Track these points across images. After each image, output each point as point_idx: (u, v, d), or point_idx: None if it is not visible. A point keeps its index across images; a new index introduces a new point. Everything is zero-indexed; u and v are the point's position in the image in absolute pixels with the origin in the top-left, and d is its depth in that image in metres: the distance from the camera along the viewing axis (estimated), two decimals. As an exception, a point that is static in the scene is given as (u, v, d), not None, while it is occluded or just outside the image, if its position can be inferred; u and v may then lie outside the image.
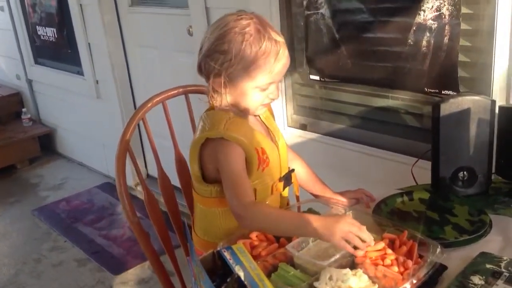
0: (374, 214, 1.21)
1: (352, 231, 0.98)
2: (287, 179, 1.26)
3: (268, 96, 1.16)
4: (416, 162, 1.45)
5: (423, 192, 1.30)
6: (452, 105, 1.25)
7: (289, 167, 1.30)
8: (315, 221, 1.01)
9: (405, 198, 1.29)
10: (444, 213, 1.21)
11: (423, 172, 1.42)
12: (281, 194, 1.27)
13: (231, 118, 1.16)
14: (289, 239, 1.09)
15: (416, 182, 1.41)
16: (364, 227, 1.00)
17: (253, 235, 1.11)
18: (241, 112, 1.18)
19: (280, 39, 1.13)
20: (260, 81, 1.12)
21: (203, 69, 1.16)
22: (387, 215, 1.22)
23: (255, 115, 1.24)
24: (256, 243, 1.10)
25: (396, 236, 1.05)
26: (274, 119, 1.34)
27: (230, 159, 1.13)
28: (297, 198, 1.36)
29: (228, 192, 1.12)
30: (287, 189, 1.29)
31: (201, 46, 1.16)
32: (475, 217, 1.17)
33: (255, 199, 1.16)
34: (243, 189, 1.11)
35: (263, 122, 1.27)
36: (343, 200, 1.32)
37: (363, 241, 0.99)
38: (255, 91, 1.14)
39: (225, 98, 1.16)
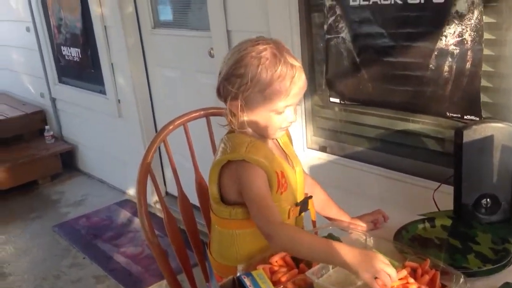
0: (395, 240, 1.20)
1: (386, 271, 0.96)
2: (304, 204, 1.27)
3: (286, 120, 1.17)
4: (438, 187, 1.44)
5: (445, 218, 1.29)
6: (475, 131, 1.24)
7: (306, 193, 1.30)
8: (348, 253, 0.99)
9: (427, 224, 1.28)
10: (467, 241, 1.19)
11: (445, 197, 1.41)
12: (297, 221, 1.28)
13: (252, 141, 1.18)
14: (309, 265, 1.09)
15: (438, 208, 1.40)
16: (395, 270, 0.97)
17: (273, 260, 1.11)
18: (260, 136, 1.20)
19: (297, 63, 1.15)
20: (276, 104, 1.14)
21: (222, 92, 1.19)
22: (408, 242, 1.21)
23: (273, 139, 1.25)
24: (276, 268, 1.10)
25: (418, 264, 1.04)
26: (292, 145, 1.35)
27: (254, 181, 1.15)
28: (314, 223, 1.36)
29: (255, 213, 1.14)
30: (302, 218, 1.29)
31: (220, 70, 1.20)
32: (499, 246, 1.16)
33: None
34: (270, 210, 1.12)
35: (281, 147, 1.28)
36: (362, 225, 1.31)
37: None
38: (271, 114, 1.16)
39: (243, 121, 1.18)
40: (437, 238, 1.23)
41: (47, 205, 3.56)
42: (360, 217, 1.35)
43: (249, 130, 1.20)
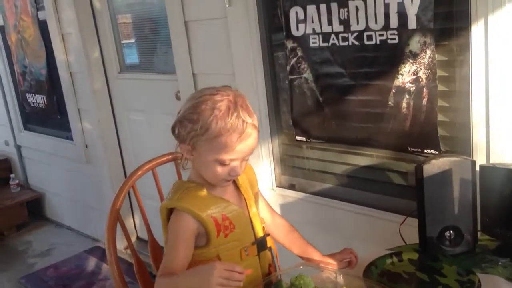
0: (365, 277, 1.21)
1: (223, 276, 1.04)
2: (261, 243, 1.27)
3: (230, 173, 1.18)
4: (403, 221, 1.47)
5: (412, 252, 1.32)
6: (434, 166, 1.29)
7: (264, 232, 1.30)
8: (191, 276, 1.11)
9: (395, 259, 1.30)
10: (434, 274, 1.22)
11: (411, 230, 1.44)
12: (261, 260, 1.28)
13: (189, 187, 1.22)
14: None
15: (405, 242, 1.42)
16: (234, 264, 1.07)
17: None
18: (206, 182, 1.22)
19: (250, 120, 1.16)
20: (220, 155, 1.15)
21: (175, 132, 1.22)
22: (377, 278, 1.22)
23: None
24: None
25: (388, 300, 1.06)
26: (254, 184, 1.35)
27: (173, 227, 1.19)
28: (278, 266, 1.36)
29: (163, 260, 1.20)
30: (265, 258, 1.29)
31: (179, 110, 1.22)
32: (464, 277, 1.18)
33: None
34: (168, 259, 1.18)
35: (239, 188, 1.29)
36: (332, 262, 1.32)
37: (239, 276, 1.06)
38: (215, 164, 1.17)
39: (191, 164, 1.22)
40: (405, 273, 1.25)
41: (13, 256, 3.45)
42: (330, 256, 1.36)
43: (197, 175, 1.23)
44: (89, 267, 3.15)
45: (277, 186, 2.14)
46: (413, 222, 1.47)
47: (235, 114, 1.14)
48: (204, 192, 1.21)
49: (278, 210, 1.99)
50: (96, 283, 2.96)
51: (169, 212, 1.21)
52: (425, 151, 1.60)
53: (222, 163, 1.16)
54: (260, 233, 1.27)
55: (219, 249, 1.20)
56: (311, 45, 1.82)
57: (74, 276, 3.06)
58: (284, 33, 1.90)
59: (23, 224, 3.87)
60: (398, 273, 1.25)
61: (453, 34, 1.50)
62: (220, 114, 1.13)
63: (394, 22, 1.57)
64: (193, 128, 1.15)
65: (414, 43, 1.54)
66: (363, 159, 1.84)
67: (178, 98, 2.54)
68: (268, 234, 1.29)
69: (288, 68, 1.93)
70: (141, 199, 1.57)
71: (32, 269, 3.23)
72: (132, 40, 2.92)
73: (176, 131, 1.20)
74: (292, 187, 2.10)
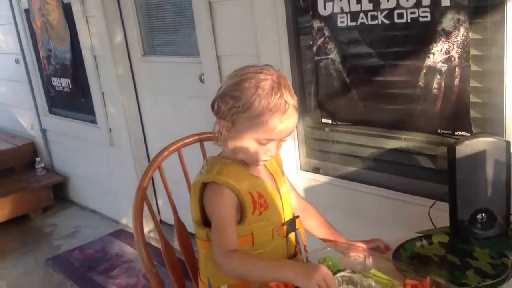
0: (394, 259, 1.19)
1: (327, 280, 0.99)
2: (290, 224, 1.26)
3: (266, 153, 1.18)
4: (433, 204, 1.44)
5: (442, 235, 1.29)
6: (467, 147, 1.25)
7: (293, 214, 1.30)
8: (290, 269, 1.04)
9: (424, 242, 1.28)
10: (465, 257, 1.19)
11: (440, 214, 1.41)
12: (288, 241, 1.27)
13: (227, 162, 1.20)
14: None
15: (434, 225, 1.39)
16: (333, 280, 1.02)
17: (273, 284, 1.10)
18: (240, 159, 1.21)
19: (292, 101, 1.15)
20: (260, 135, 1.15)
21: (215, 108, 1.20)
22: (407, 260, 1.20)
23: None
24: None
25: (419, 282, 1.03)
26: (281, 166, 1.35)
27: (217, 204, 1.17)
28: (304, 247, 1.35)
29: (212, 238, 1.17)
30: (292, 239, 1.28)
31: (220, 86, 1.21)
32: (497, 260, 1.15)
33: (252, 242, 1.19)
34: (225, 236, 1.14)
35: (267, 168, 1.29)
36: (362, 245, 1.30)
37: None
38: (253, 143, 1.16)
39: (227, 141, 1.20)
40: (436, 256, 1.22)
41: (40, 238, 3.51)
42: (356, 242, 1.34)
43: (231, 151, 1.21)
44: (113, 249, 3.19)
45: (301, 170, 2.12)
46: (442, 206, 1.44)
47: (278, 94, 1.12)
48: (240, 168, 1.20)
49: (302, 193, 1.97)
50: (120, 265, 2.99)
51: (202, 188, 1.19)
52: (456, 133, 1.56)
53: (260, 143, 1.15)
54: (289, 214, 1.26)
55: (252, 227, 1.18)
56: (339, 24, 1.78)
57: (99, 259, 3.10)
58: (311, 13, 1.86)
59: (48, 207, 3.93)
60: (429, 256, 1.22)
61: (487, 11, 1.45)
62: (264, 93, 1.12)
63: (426, -1, 1.53)
64: (235, 105, 1.14)
65: (447, 21, 1.50)
66: (391, 141, 1.80)
67: (202, 80, 2.52)
68: (298, 216, 1.28)
69: (314, 49, 1.90)
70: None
71: (58, 251, 3.28)
72: (156, 23, 2.91)
73: (216, 107, 1.19)
74: (316, 170, 2.08)
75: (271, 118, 1.12)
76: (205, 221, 1.22)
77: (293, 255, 1.27)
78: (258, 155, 1.18)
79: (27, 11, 3.64)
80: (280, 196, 1.25)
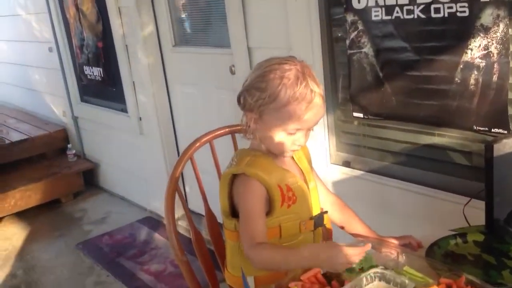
0: (427, 257, 1.18)
1: (351, 259, 1.04)
2: (319, 219, 1.27)
3: (295, 143, 1.18)
4: (468, 202, 1.42)
5: (477, 234, 1.27)
6: (506, 145, 1.23)
7: (322, 209, 1.30)
8: (323, 252, 1.07)
9: (459, 240, 1.26)
10: (501, 257, 1.17)
11: (474, 211, 1.39)
12: (316, 235, 1.27)
13: (256, 155, 1.21)
14: (341, 283, 1.08)
15: (469, 223, 1.38)
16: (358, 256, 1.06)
17: (305, 277, 1.11)
18: (269, 151, 1.22)
19: (317, 89, 1.16)
20: (288, 124, 1.15)
21: (241, 101, 1.21)
22: (441, 258, 1.19)
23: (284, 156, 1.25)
24: (307, 286, 1.09)
25: (453, 281, 1.02)
26: (310, 161, 1.35)
27: (247, 196, 1.18)
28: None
29: (241, 230, 1.18)
30: (319, 234, 1.28)
31: (245, 80, 1.22)
32: (534, 261, 1.13)
33: (280, 235, 1.20)
34: (254, 228, 1.16)
35: (296, 162, 1.29)
36: (394, 241, 1.30)
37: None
38: (281, 133, 1.17)
39: (255, 134, 1.21)
40: (470, 254, 1.21)
41: (70, 223, 3.60)
42: (388, 238, 1.33)
43: (259, 143, 1.22)
44: (141, 236, 3.25)
45: (331, 163, 2.12)
46: (476, 204, 1.42)
47: (304, 83, 1.13)
48: (269, 160, 1.21)
49: (331, 187, 1.97)
50: (148, 252, 3.05)
51: (232, 179, 1.21)
52: (492, 130, 1.53)
53: (288, 133, 1.16)
54: (317, 208, 1.27)
55: (280, 220, 1.20)
56: (373, 18, 1.76)
57: (128, 245, 3.16)
58: (345, 6, 1.85)
59: (79, 192, 4.02)
60: (463, 255, 1.21)
61: (529, 6, 1.41)
62: (289, 83, 1.13)
63: (465, -7, 1.50)
64: (261, 96, 1.15)
65: (486, 16, 1.46)
66: (424, 137, 1.78)
67: (232, 72, 2.53)
68: (326, 212, 1.28)
69: (347, 42, 1.88)
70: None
71: (88, 235, 3.36)
72: (187, 14, 2.93)
73: (242, 100, 1.20)
74: (347, 164, 2.07)
75: (297, 107, 1.13)
76: (234, 212, 1.24)
77: None
78: (287, 145, 1.18)
79: (60, 1, 3.70)
80: (309, 191, 1.26)
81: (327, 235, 1.33)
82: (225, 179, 1.23)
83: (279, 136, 1.17)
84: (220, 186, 1.25)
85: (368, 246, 1.07)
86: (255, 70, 1.20)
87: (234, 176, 1.21)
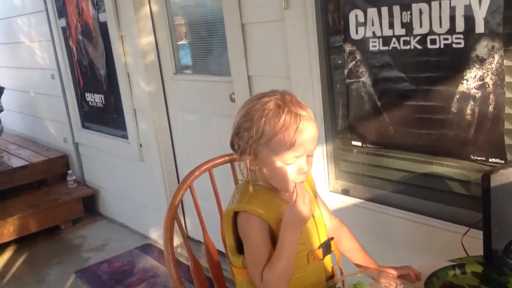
0: (426, 288, 1.18)
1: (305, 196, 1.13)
2: (326, 246, 1.26)
3: (298, 172, 1.16)
4: (466, 232, 1.42)
5: (476, 265, 1.26)
6: (502, 176, 1.23)
7: (328, 235, 1.30)
8: (289, 227, 1.13)
9: (458, 271, 1.25)
10: (500, 288, 1.17)
11: (473, 241, 1.39)
12: (325, 264, 1.26)
13: (257, 189, 1.20)
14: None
15: (467, 253, 1.37)
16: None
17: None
18: (271, 185, 1.21)
19: (303, 112, 1.14)
20: (283, 155, 1.13)
21: (235, 147, 1.21)
22: (439, 290, 1.18)
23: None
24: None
25: (452, 313, 1.02)
26: (313, 189, 1.35)
27: (250, 234, 1.17)
28: (341, 271, 1.34)
29: (248, 267, 1.17)
30: (329, 261, 1.28)
31: (233, 125, 1.22)
32: (533, 293, 1.13)
33: None
34: (260, 264, 1.14)
35: None
36: (392, 272, 1.29)
37: None
38: (281, 166, 1.15)
39: (256, 175, 1.19)
40: (469, 286, 1.20)
41: (69, 250, 3.58)
42: (387, 268, 1.32)
43: (264, 181, 1.21)
44: (140, 263, 3.23)
45: (330, 191, 2.12)
46: (475, 234, 1.42)
47: (285, 110, 1.13)
48: (271, 195, 1.20)
49: (331, 215, 1.97)
50: (146, 279, 3.02)
51: (234, 216, 1.20)
52: (490, 160, 1.54)
53: (287, 163, 1.14)
54: (324, 236, 1.26)
55: None
56: (371, 48, 1.79)
57: (126, 272, 3.14)
58: (343, 36, 1.88)
59: (78, 219, 4.01)
60: (462, 286, 1.20)
61: (523, 38, 1.44)
62: (271, 114, 1.13)
63: (460, 25, 1.52)
64: (249, 135, 1.14)
65: (481, 48, 1.49)
66: (422, 166, 1.79)
67: (232, 100, 2.55)
68: (332, 238, 1.28)
69: (345, 71, 1.91)
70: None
71: (86, 263, 3.33)
72: (188, 42, 2.97)
73: (236, 145, 1.20)
74: (346, 192, 2.07)
75: (286, 133, 1.12)
76: (240, 248, 1.22)
77: (330, 276, 1.27)
78: (291, 177, 1.16)
79: (63, 29, 3.76)
80: (314, 219, 1.24)
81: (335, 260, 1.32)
82: (228, 217, 1.21)
83: (280, 169, 1.15)
84: (224, 222, 1.24)
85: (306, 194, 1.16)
86: (239, 111, 1.20)
87: (236, 213, 1.20)
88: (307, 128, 1.14)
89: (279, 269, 1.12)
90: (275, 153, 1.14)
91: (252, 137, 1.14)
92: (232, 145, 1.21)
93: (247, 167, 1.19)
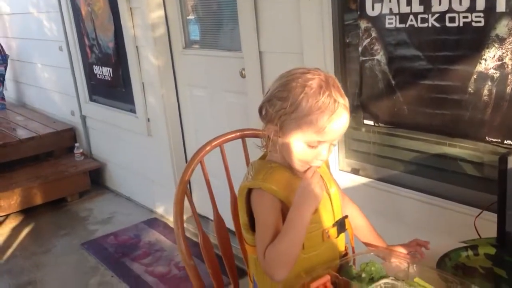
0: (438, 269, 1.17)
1: (318, 180, 1.13)
2: (340, 225, 1.24)
3: (317, 157, 1.14)
4: (479, 214, 1.41)
5: (489, 247, 1.25)
6: (520, 158, 1.21)
7: (342, 213, 1.28)
8: (298, 208, 1.11)
9: (470, 252, 1.25)
10: (513, 271, 1.16)
11: (486, 224, 1.38)
12: (339, 242, 1.26)
13: (273, 167, 1.17)
14: (351, 292, 1.07)
15: (480, 235, 1.36)
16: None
17: (314, 286, 1.09)
18: (286, 162, 1.18)
19: (342, 100, 1.11)
20: (309, 136, 1.11)
21: (263, 113, 1.18)
22: (452, 270, 1.18)
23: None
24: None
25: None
26: (329, 168, 1.33)
27: (262, 210, 1.15)
28: (353, 249, 1.33)
29: (257, 244, 1.15)
30: (342, 238, 1.27)
31: (267, 91, 1.19)
32: (547, 276, 1.12)
33: (303, 246, 1.15)
34: (267, 243, 1.12)
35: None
36: (404, 251, 1.29)
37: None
38: (302, 146, 1.13)
39: (276, 146, 1.16)
40: (482, 267, 1.19)
41: (76, 222, 3.60)
42: (395, 246, 1.32)
43: (279, 156, 1.18)
44: (146, 237, 3.25)
45: (340, 170, 2.11)
46: (488, 216, 1.41)
47: (326, 93, 1.09)
48: (287, 173, 1.18)
49: (340, 194, 1.96)
50: (152, 253, 3.04)
51: (248, 193, 1.18)
52: (505, 142, 1.52)
53: (311, 145, 1.12)
54: (339, 214, 1.24)
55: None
56: (387, 26, 1.75)
57: (133, 245, 3.16)
58: (358, 13, 1.84)
59: (85, 192, 4.02)
60: (474, 267, 1.20)
61: (546, 18, 1.40)
62: (311, 92, 1.09)
63: (480, 3, 1.48)
64: (283, 106, 1.11)
65: (502, 27, 1.45)
66: (435, 147, 1.77)
67: (242, 75, 2.53)
68: (347, 216, 1.26)
69: (360, 49, 1.87)
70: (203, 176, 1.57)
71: (93, 235, 3.36)
72: (198, 16, 2.93)
73: (264, 111, 1.16)
74: (356, 171, 2.06)
75: (320, 117, 1.08)
76: (253, 226, 1.20)
77: (344, 254, 1.26)
78: (309, 160, 1.14)
79: (72, 0, 3.71)
80: (330, 197, 1.23)
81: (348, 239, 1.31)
82: (242, 193, 1.19)
83: (300, 149, 1.13)
84: (238, 200, 1.22)
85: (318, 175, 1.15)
86: (277, 80, 1.17)
87: (250, 190, 1.18)
88: (341, 118, 1.11)
89: (281, 248, 1.10)
90: (302, 132, 1.11)
91: (285, 108, 1.11)
92: (260, 111, 1.18)
93: (269, 137, 1.16)
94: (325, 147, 1.13)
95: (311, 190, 1.11)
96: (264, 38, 2.28)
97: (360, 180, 2.02)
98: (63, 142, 4.27)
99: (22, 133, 4.19)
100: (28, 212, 3.72)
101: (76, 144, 4.17)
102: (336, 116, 1.10)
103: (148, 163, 3.48)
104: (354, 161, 2.07)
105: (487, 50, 1.51)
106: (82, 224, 3.56)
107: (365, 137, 2.02)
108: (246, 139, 1.61)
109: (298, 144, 1.13)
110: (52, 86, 4.49)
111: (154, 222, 3.44)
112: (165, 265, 2.89)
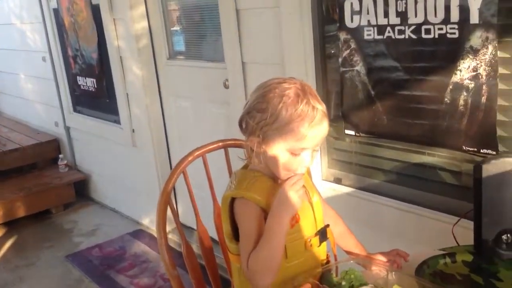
0: (416, 276, 1.19)
1: (299, 188, 1.14)
2: (322, 234, 1.26)
3: (300, 164, 1.16)
4: (457, 222, 1.43)
5: (466, 254, 1.28)
6: (494, 166, 1.24)
7: (324, 223, 1.30)
8: (277, 215, 1.13)
9: (448, 260, 1.27)
10: (489, 277, 1.19)
11: (463, 231, 1.41)
12: (321, 250, 1.27)
13: (255, 176, 1.19)
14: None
15: (458, 243, 1.39)
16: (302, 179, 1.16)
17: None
18: (270, 171, 1.20)
19: (320, 106, 1.14)
20: (291, 144, 1.13)
21: (243, 126, 1.20)
22: (430, 278, 1.20)
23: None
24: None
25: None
26: (311, 177, 1.35)
27: (245, 220, 1.17)
28: (335, 257, 1.35)
29: (241, 253, 1.17)
30: (324, 247, 1.29)
31: (245, 104, 1.21)
32: (522, 282, 1.15)
33: (286, 255, 1.18)
34: (249, 251, 1.14)
35: None
36: (383, 259, 1.31)
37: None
38: (285, 154, 1.15)
39: (260, 158, 1.18)
40: (459, 274, 1.22)
41: (60, 234, 3.57)
42: (375, 254, 1.34)
43: (261, 165, 1.20)
44: (132, 249, 3.24)
45: (322, 179, 2.13)
46: (465, 224, 1.43)
47: (304, 101, 1.12)
48: (270, 182, 1.20)
49: (323, 203, 1.98)
50: (138, 265, 3.03)
51: (231, 202, 1.20)
52: (481, 151, 1.55)
53: (294, 153, 1.14)
54: (321, 223, 1.26)
55: (285, 240, 1.17)
56: (365, 37, 1.79)
57: (118, 257, 3.14)
58: (338, 25, 1.88)
59: (69, 204, 3.99)
60: (452, 274, 1.22)
61: (517, 30, 1.45)
62: (290, 101, 1.12)
63: (455, 15, 1.52)
64: (263, 117, 1.13)
65: (476, 39, 1.49)
66: (414, 156, 1.80)
67: (226, 86, 2.55)
68: (328, 225, 1.28)
69: (340, 60, 1.91)
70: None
71: (78, 247, 3.33)
72: (182, 27, 2.95)
73: (244, 124, 1.19)
74: (338, 181, 2.08)
75: (300, 124, 1.11)
76: (237, 235, 1.21)
77: (326, 262, 1.28)
78: (293, 168, 1.16)
79: (56, 11, 3.71)
80: (312, 206, 1.25)
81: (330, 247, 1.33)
82: (225, 203, 1.21)
83: (284, 158, 1.15)
84: (222, 209, 1.24)
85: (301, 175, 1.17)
86: (254, 92, 1.19)
87: (233, 199, 1.20)
88: (321, 124, 1.14)
89: (263, 256, 1.12)
90: (284, 141, 1.13)
91: (265, 119, 1.13)
92: (240, 124, 1.20)
93: (252, 149, 1.18)
94: (308, 153, 1.16)
95: (289, 197, 1.13)
96: (247, 49, 2.31)
97: (342, 189, 2.04)
98: (47, 153, 4.24)
99: (5, 145, 4.15)
100: (11, 225, 3.68)
101: (60, 156, 4.15)
102: (316, 122, 1.13)
103: (133, 174, 3.47)
104: (337, 170, 2.10)
105: (462, 61, 1.54)
106: (66, 236, 3.53)
107: (347, 147, 2.05)
108: (229, 149, 1.63)
109: (282, 154, 1.15)
110: (36, 97, 4.46)
111: (140, 234, 3.43)
112: (151, 277, 2.88)
